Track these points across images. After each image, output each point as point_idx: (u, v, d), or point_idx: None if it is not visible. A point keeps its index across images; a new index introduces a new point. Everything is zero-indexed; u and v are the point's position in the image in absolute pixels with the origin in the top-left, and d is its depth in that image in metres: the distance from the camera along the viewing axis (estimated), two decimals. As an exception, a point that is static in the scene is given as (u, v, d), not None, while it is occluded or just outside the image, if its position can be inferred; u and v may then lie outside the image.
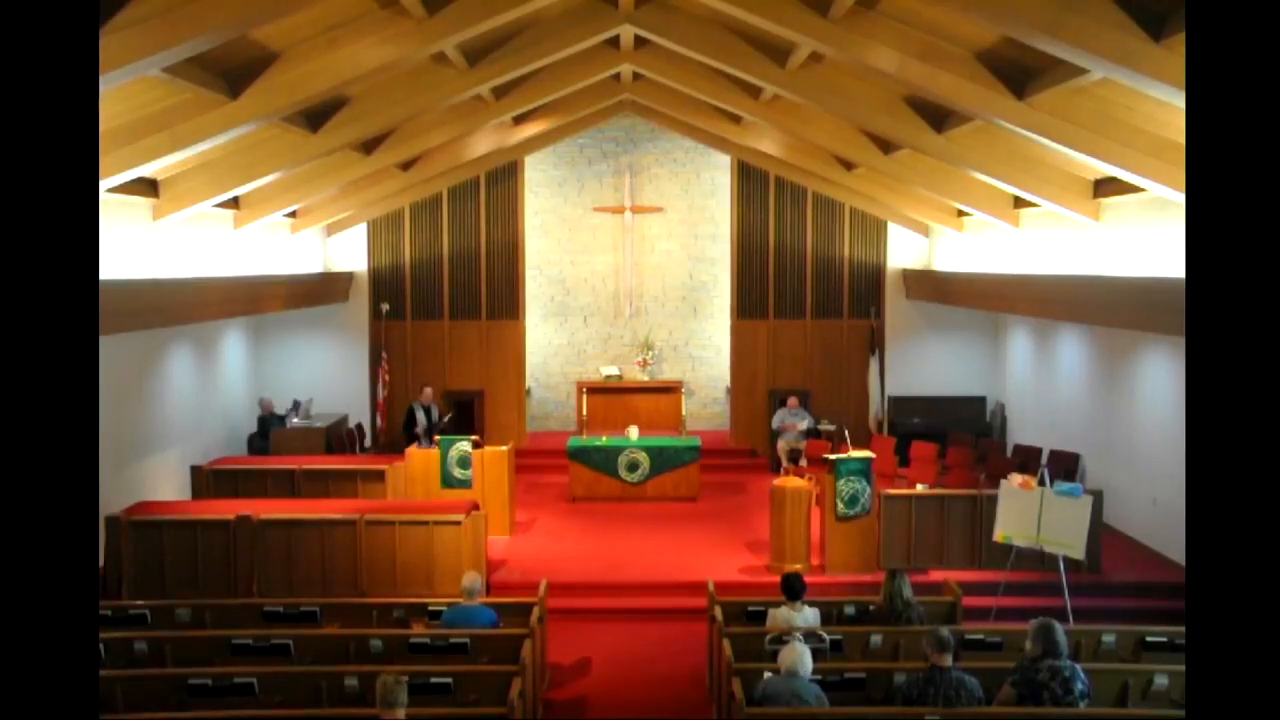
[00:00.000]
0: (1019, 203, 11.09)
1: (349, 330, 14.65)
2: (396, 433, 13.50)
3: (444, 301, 14.67)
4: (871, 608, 7.06)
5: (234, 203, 11.07)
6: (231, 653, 6.40)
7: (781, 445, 13.05)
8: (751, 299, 14.70)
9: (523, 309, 14.86)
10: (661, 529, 11.20)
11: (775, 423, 13.57)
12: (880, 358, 14.46)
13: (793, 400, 13.59)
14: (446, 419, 12.21)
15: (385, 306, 14.53)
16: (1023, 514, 8.42)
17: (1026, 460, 11.87)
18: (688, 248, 15.61)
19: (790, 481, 9.88)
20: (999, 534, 8.63)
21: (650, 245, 15.61)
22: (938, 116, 8.96)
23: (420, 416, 12.66)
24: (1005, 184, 9.83)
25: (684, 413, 14.09)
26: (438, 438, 11.39)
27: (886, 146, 10.69)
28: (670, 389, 15.06)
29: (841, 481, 9.53)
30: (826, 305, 14.70)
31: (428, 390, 13.02)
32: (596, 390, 14.94)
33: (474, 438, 11.32)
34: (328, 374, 14.46)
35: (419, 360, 14.67)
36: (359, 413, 14.41)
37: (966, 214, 12.74)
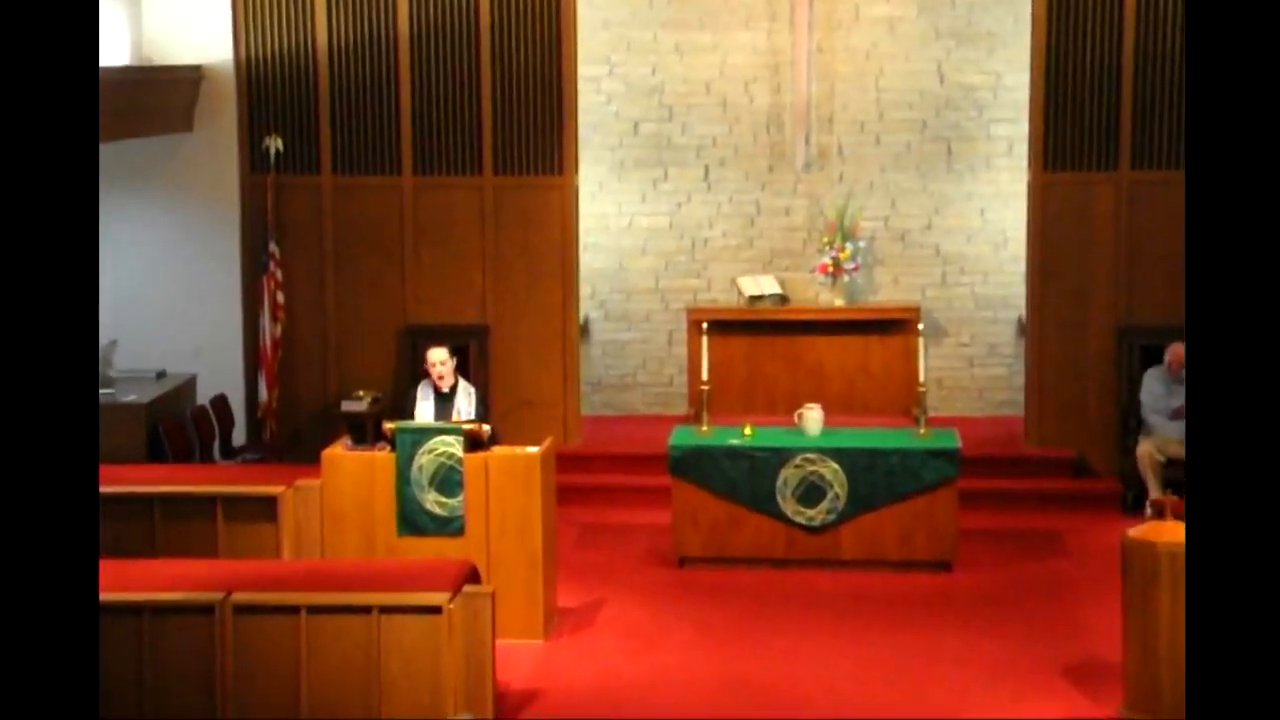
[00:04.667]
0: None
1: (196, 195, 14.86)
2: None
3: (402, 137, 14.82)
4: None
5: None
6: None
7: (1147, 451, 13.41)
8: (1077, 128, 14.67)
9: (573, 155, 14.97)
10: (875, 633, 11.26)
11: (1148, 403, 13.77)
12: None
13: (1178, 351, 13.54)
14: (488, 432, 11.54)
15: (275, 144, 14.78)
16: None
17: None
18: (932, 17, 15.68)
19: (1168, 533, 9.81)
20: None
21: (852, 9, 15.67)
22: None
23: (425, 410, 12.27)
24: None
25: (923, 378, 13.94)
26: (389, 428, 11.43)
27: None
28: (894, 324, 15.34)
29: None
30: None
31: (439, 355, 12.33)
32: (729, 327, 15.05)
33: (470, 426, 11.42)
34: (154, 291, 14.68)
35: (351, 260, 14.90)
36: (224, 373, 14.68)
37: None
